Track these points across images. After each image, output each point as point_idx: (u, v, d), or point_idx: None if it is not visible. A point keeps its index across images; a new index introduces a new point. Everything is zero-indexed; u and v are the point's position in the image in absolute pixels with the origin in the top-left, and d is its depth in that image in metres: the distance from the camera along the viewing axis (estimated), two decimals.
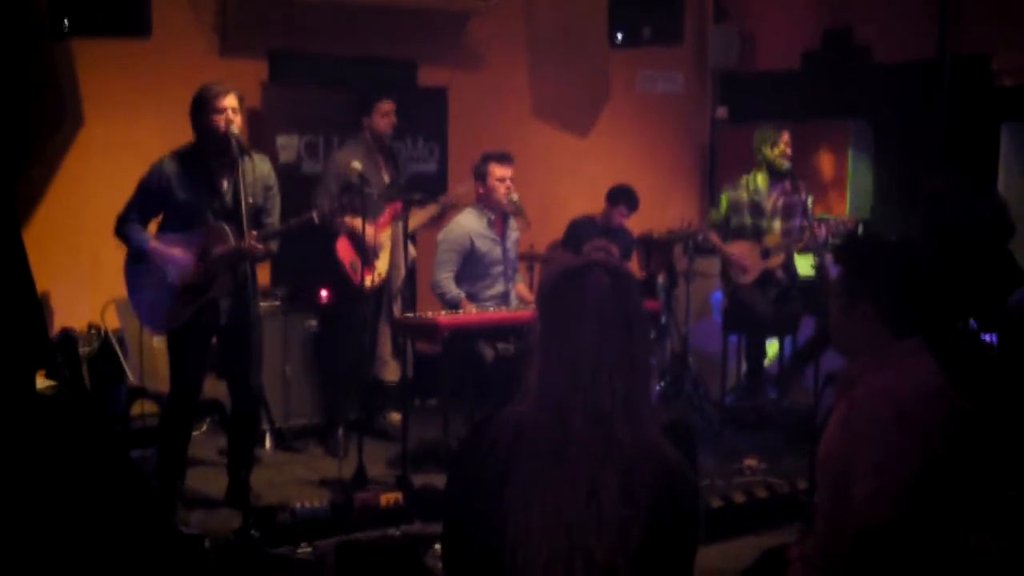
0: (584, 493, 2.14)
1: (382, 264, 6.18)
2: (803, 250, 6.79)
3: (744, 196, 6.88)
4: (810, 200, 6.90)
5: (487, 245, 6.24)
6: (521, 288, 6.48)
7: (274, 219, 5.23)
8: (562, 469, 2.16)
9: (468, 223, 6.24)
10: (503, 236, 6.31)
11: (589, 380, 2.20)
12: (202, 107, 5.01)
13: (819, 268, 6.54)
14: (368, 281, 6.07)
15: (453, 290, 6.17)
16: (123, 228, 5.12)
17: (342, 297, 6.32)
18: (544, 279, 2.38)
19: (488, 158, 6.21)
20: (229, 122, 4.95)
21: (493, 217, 6.26)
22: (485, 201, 6.24)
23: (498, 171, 6.16)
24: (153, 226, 5.24)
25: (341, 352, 6.35)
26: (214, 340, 5.27)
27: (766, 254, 6.80)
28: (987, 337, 4.81)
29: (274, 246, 5.22)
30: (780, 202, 6.83)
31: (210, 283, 5.06)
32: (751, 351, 7.20)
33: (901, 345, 2.74)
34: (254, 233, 4.93)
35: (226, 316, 5.15)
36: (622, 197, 7.46)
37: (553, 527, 2.14)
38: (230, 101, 4.99)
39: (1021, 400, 4.84)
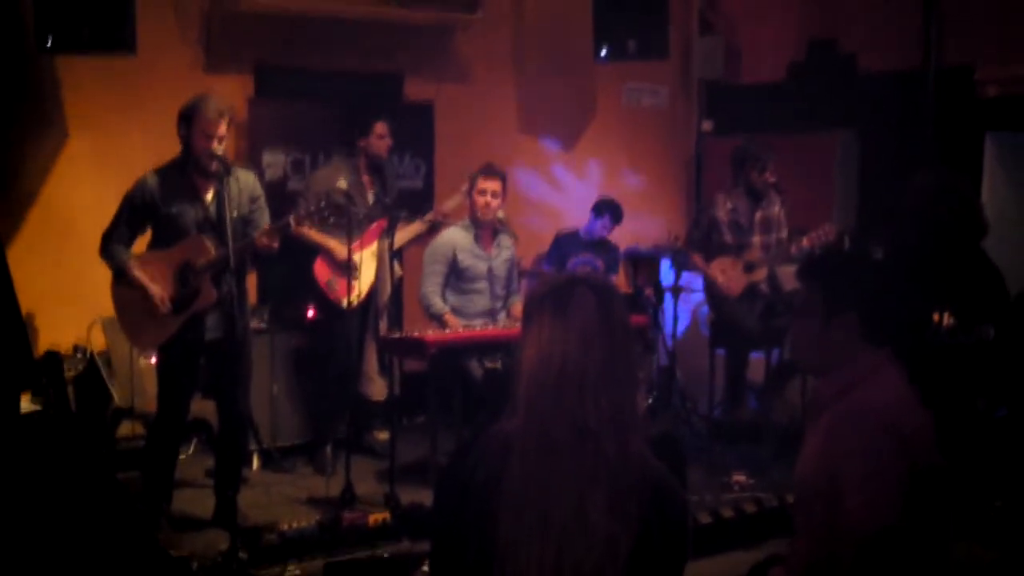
0: (572, 510, 2.14)
1: (362, 283, 6.14)
2: (788, 262, 6.78)
3: (722, 215, 6.86)
4: (783, 213, 6.90)
5: (470, 259, 6.24)
6: (517, 309, 6.44)
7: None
8: (550, 486, 2.16)
9: (452, 236, 6.26)
10: (490, 253, 6.30)
11: (575, 398, 2.19)
12: (193, 122, 4.99)
13: None
14: (346, 301, 6.05)
15: (437, 303, 6.20)
16: (107, 248, 5.11)
17: (325, 315, 6.30)
18: (529, 296, 2.37)
19: (476, 172, 6.24)
20: (214, 147, 4.94)
21: (479, 232, 6.25)
22: (471, 214, 6.25)
23: (481, 183, 6.18)
24: (141, 245, 5.23)
25: (325, 370, 6.34)
26: (201, 359, 5.25)
27: (749, 268, 6.80)
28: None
29: (275, 243, 5.13)
30: (758, 216, 6.85)
31: (194, 296, 5.04)
32: (732, 364, 7.18)
33: (873, 357, 2.75)
34: (268, 227, 4.98)
35: (212, 331, 5.13)
36: (606, 209, 7.47)
37: (541, 544, 2.14)
38: (221, 128, 4.97)
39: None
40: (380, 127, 6.39)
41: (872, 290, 2.79)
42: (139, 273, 5.06)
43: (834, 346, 2.80)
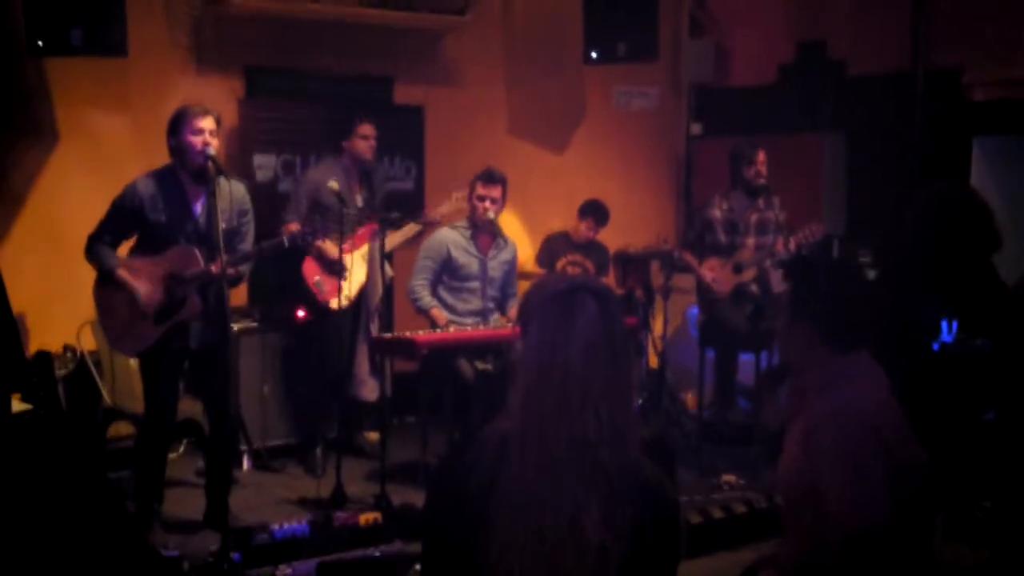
0: (567, 522, 2.11)
1: (351, 285, 6.14)
2: (777, 264, 6.81)
3: (718, 215, 6.90)
4: (782, 216, 6.93)
5: (464, 257, 6.27)
6: (514, 312, 6.42)
7: (247, 244, 5.20)
8: (546, 498, 2.13)
9: (448, 233, 6.31)
10: (486, 254, 6.33)
11: (576, 407, 2.14)
12: (178, 127, 4.99)
13: None
14: (334, 302, 6.05)
15: (425, 297, 6.25)
16: (93, 249, 5.09)
17: (314, 315, 6.31)
18: (527, 300, 2.32)
19: (476, 176, 6.26)
20: (206, 144, 4.92)
21: (477, 232, 6.29)
22: (470, 216, 6.30)
23: (480, 189, 6.20)
24: (123, 250, 5.21)
25: (316, 370, 6.34)
26: (186, 364, 5.24)
27: (738, 268, 6.82)
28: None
29: (245, 269, 5.20)
30: (754, 218, 6.87)
31: (179, 306, 5.02)
32: (722, 365, 7.21)
33: (848, 361, 2.79)
34: (224, 258, 4.81)
35: (197, 340, 5.11)
36: (590, 211, 7.50)
37: (534, 550, 2.11)
38: (207, 123, 4.96)
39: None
40: (363, 128, 6.34)
41: (832, 302, 2.81)
42: (126, 274, 5.05)
43: (797, 347, 2.87)
